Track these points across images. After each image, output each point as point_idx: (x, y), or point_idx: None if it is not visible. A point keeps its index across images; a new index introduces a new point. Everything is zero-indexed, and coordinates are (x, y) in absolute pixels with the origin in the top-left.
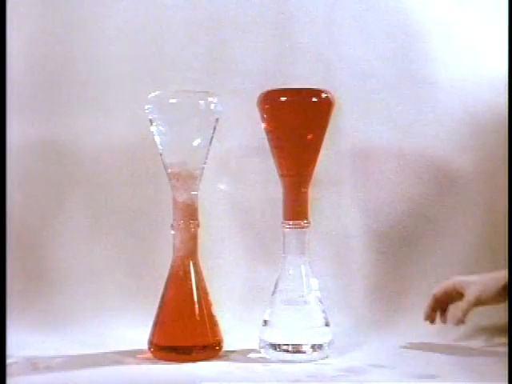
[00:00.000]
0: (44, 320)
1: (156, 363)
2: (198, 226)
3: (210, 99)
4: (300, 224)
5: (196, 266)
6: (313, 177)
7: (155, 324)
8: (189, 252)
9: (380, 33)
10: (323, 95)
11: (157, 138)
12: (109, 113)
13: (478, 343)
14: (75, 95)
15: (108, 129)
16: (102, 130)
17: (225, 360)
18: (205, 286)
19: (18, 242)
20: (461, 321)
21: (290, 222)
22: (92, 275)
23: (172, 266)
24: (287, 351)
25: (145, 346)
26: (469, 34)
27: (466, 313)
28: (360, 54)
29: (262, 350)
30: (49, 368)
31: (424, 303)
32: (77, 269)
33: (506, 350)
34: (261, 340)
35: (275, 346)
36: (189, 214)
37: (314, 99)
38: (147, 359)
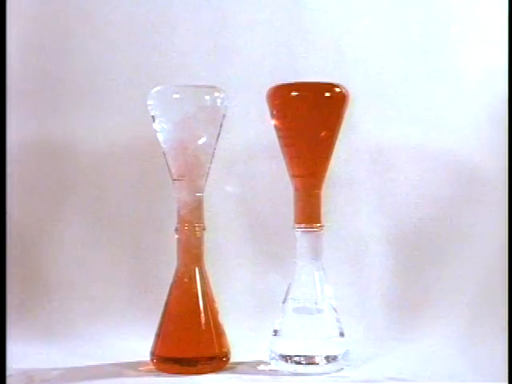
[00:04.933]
0: (41, 330)
1: (159, 376)
2: (203, 229)
3: (217, 94)
4: (313, 227)
5: (202, 272)
6: (326, 177)
7: (158, 334)
8: (194, 257)
9: (398, 22)
10: (337, 89)
11: (160, 136)
12: (109, 109)
13: None
14: (73, 90)
15: (108, 126)
16: (101, 128)
17: (232, 372)
18: (211, 293)
19: (14, 248)
20: None
21: (302, 226)
22: (91, 282)
23: (176, 272)
24: (299, 363)
25: (147, 358)
26: (495, 22)
27: None
28: (377, 45)
29: (273, 362)
30: (45, 381)
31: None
32: (75, 276)
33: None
34: (271, 351)
35: (286, 358)
36: (194, 217)
37: (327, 94)
38: (149, 371)
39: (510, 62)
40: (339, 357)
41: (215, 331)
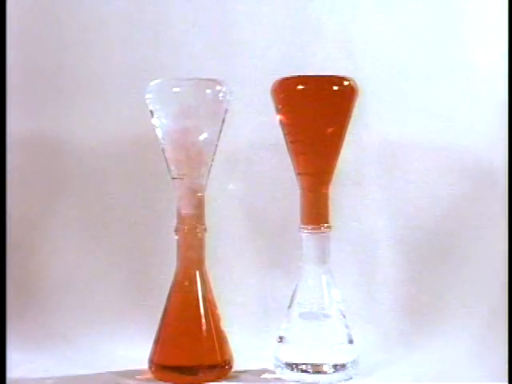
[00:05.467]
0: (34, 337)
1: None
2: (204, 230)
3: (218, 88)
4: (320, 228)
5: (203, 275)
6: (334, 175)
7: (157, 341)
8: (195, 260)
9: (410, 14)
10: (345, 83)
11: (158, 132)
12: (105, 103)
13: None
14: (68, 83)
15: (105, 122)
16: (98, 124)
17: (235, 381)
18: (212, 298)
19: (8, 250)
20: None
21: (309, 227)
22: (86, 287)
23: (176, 276)
24: (306, 371)
25: (145, 366)
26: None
27: None
28: (387, 35)
29: (278, 370)
30: None
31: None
32: (69, 280)
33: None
34: (276, 359)
35: (292, 366)
36: (194, 218)
37: (336, 87)
38: (147, 380)
39: (509, 65)
40: (348, 365)
41: (217, 338)
